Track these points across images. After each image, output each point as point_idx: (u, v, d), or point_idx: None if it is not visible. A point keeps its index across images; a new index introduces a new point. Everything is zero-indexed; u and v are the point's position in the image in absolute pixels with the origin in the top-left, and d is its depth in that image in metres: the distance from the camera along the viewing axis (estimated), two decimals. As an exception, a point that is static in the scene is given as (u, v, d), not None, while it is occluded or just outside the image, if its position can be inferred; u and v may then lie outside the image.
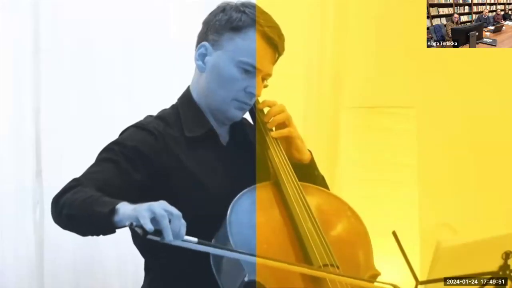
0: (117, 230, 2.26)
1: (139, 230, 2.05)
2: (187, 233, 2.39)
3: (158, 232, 2.05)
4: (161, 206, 2.07)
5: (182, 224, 2.09)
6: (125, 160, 2.38)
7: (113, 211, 2.13)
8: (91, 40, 3.45)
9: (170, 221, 2.06)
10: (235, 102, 2.50)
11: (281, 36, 2.51)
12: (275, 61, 2.53)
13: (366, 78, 4.11)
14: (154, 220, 2.05)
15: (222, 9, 2.52)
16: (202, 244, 2.12)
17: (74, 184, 2.29)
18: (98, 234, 2.25)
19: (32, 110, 3.36)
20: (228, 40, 2.49)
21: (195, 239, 2.11)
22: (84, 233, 2.28)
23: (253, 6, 2.51)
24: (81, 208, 2.20)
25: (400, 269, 3.18)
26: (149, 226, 2.04)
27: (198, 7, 3.31)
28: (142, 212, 2.06)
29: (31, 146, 3.35)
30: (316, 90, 4.00)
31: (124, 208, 2.13)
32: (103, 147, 2.43)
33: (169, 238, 2.05)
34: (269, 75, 2.53)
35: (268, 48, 2.49)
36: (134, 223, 2.05)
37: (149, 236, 2.04)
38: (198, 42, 2.54)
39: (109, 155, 2.39)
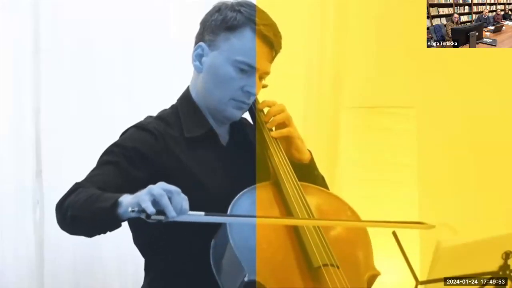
0: (117, 230, 2.27)
1: (142, 215, 2.06)
2: (188, 232, 2.39)
3: (162, 212, 2.06)
4: (159, 186, 2.08)
5: (183, 199, 2.09)
6: (126, 161, 2.38)
7: (115, 204, 2.14)
8: (91, 40, 3.45)
9: (170, 199, 2.06)
10: (233, 102, 2.49)
11: (277, 34, 2.50)
12: (272, 59, 2.52)
13: (366, 78, 4.10)
14: (154, 201, 2.06)
15: (217, 8, 2.51)
16: (210, 215, 2.12)
17: (76, 187, 2.29)
18: (105, 231, 2.25)
19: (32, 110, 3.37)
20: (223, 40, 2.48)
21: (202, 213, 2.11)
22: (91, 233, 2.28)
23: (248, 5, 2.50)
24: (84, 207, 2.20)
25: (400, 269, 3.18)
26: (150, 209, 2.04)
27: (198, 7, 3.31)
28: (142, 196, 2.07)
29: (31, 146, 3.36)
30: (316, 90, 4.00)
31: (126, 199, 2.14)
32: (104, 149, 2.43)
33: (171, 214, 2.06)
34: (267, 73, 2.52)
35: (264, 46, 2.48)
36: (136, 208, 2.06)
37: (154, 217, 2.05)
38: (196, 42, 2.54)
39: (110, 157, 2.39)
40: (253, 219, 2.26)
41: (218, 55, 2.48)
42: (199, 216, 2.11)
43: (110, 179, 2.34)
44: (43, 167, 3.37)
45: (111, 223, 2.21)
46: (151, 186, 2.09)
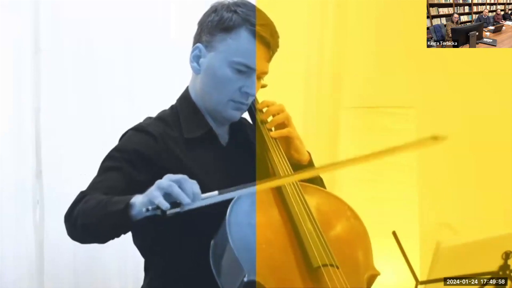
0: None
1: (158, 212, 2.05)
2: (187, 232, 2.39)
3: (176, 204, 2.05)
4: (166, 178, 2.10)
5: (193, 184, 2.10)
6: (128, 165, 2.38)
7: (128, 205, 2.15)
8: (91, 40, 3.45)
9: (181, 187, 2.07)
10: (231, 103, 2.49)
11: (274, 34, 2.49)
12: (269, 58, 2.51)
13: (366, 78, 4.11)
14: (166, 194, 2.06)
15: (214, 9, 2.51)
16: (224, 193, 2.12)
17: (82, 196, 2.29)
18: (118, 235, 2.25)
19: (32, 110, 3.37)
20: (220, 41, 2.48)
21: (216, 192, 2.11)
22: (104, 239, 2.28)
23: (245, 5, 2.49)
24: (95, 213, 2.20)
25: (400, 269, 3.19)
26: (165, 205, 2.05)
27: (198, 7, 3.30)
28: (153, 193, 2.08)
29: (31, 146, 3.36)
30: (316, 90, 4.00)
31: (138, 200, 2.14)
32: (106, 153, 2.43)
33: (186, 201, 2.06)
34: (265, 73, 2.51)
35: (261, 46, 2.47)
36: (150, 207, 2.06)
37: (170, 211, 2.04)
38: (193, 43, 2.54)
39: (111, 163, 2.39)
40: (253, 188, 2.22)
41: (215, 56, 2.48)
42: (213, 197, 2.10)
43: (114, 185, 2.33)
44: (43, 167, 3.36)
45: (124, 226, 2.21)
46: (158, 181, 2.10)
